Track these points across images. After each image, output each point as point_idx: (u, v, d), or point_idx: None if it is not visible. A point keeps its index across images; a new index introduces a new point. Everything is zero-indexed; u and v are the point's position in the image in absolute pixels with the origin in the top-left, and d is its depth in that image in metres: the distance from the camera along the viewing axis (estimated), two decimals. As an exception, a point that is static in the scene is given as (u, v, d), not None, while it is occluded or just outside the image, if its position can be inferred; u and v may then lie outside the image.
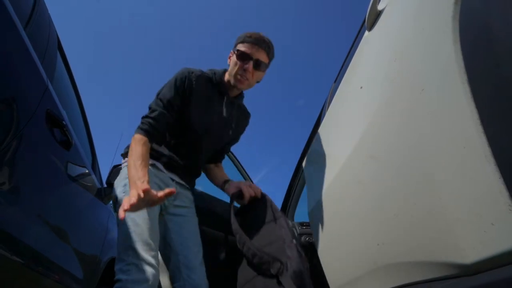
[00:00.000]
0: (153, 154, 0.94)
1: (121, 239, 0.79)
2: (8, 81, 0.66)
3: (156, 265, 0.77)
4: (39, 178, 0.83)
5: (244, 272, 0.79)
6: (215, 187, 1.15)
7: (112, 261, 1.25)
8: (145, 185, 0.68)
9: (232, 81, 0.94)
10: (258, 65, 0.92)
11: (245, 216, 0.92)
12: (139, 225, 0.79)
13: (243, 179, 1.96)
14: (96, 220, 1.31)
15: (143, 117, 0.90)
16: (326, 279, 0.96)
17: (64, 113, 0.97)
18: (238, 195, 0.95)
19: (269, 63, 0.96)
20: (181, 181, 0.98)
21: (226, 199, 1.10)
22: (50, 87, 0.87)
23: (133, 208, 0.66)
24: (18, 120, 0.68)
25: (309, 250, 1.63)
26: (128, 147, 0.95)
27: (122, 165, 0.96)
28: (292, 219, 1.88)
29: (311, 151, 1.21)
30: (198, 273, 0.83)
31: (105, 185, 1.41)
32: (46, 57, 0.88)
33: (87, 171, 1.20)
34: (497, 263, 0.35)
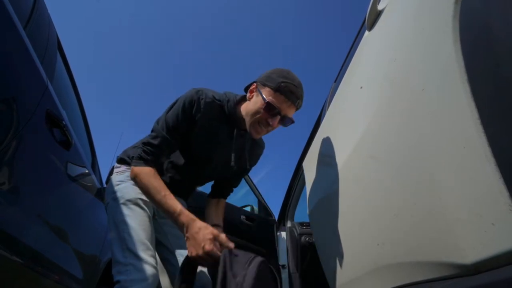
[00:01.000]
0: None
1: (116, 242, 0.78)
2: (8, 81, 0.66)
3: (155, 264, 0.76)
4: (39, 178, 0.83)
5: None
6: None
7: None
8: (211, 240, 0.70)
9: (248, 127, 0.82)
10: (284, 121, 0.81)
11: None
12: (134, 227, 0.78)
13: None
14: (96, 220, 1.30)
15: (145, 144, 0.82)
16: (326, 279, 0.96)
17: (64, 113, 0.97)
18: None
19: (293, 119, 0.84)
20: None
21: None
22: (50, 87, 0.87)
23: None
24: (17, 120, 0.68)
25: (309, 250, 1.64)
26: (125, 153, 0.94)
27: (115, 170, 0.92)
28: (292, 219, 1.88)
29: (311, 151, 1.21)
30: (201, 273, 0.83)
31: (105, 185, 1.41)
32: (45, 57, 0.88)
33: (87, 171, 1.20)
34: (497, 263, 0.35)
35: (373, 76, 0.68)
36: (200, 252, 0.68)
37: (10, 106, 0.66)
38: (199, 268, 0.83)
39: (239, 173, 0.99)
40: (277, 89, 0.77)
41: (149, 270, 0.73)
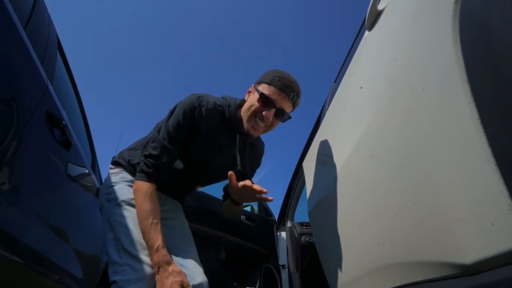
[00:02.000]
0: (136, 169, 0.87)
1: (112, 243, 0.77)
2: (8, 81, 0.66)
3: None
4: (39, 178, 0.83)
5: None
6: (214, 187, 1.15)
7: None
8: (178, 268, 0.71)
9: (245, 124, 0.82)
10: (280, 114, 0.80)
11: None
12: (129, 227, 0.78)
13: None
14: (96, 220, 1.31)
15: (146, 156, 0.80)
16: (326, 279, 0.96)
17: (64, 113, 0.97)
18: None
19: (290, 115, 0.83)
20: (168, 198, 0.96)
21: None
22: (50, 87, 0.87)
23: None
24: (18, 120, 0.68)
25: (309, 250, 1.64)
26: (121, 155, 0.93)
27: (109, 172, 0.91)
28: (292, 219, 1.88)
29: (311, 151, 1.21)
30: (197, 272, 0.83)
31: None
32: (46, 57, 0.88)
33: (87, 171, 1.20)
34: (497, 263, 0.35)
35: (373, 76, 0.68)
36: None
37: (10, 106, 0.67)
38: (197, 268, 0.83)
39: (244, 176, 0.99)
40: (271, 83, 0.79)
41: (146, 269, 0.72)
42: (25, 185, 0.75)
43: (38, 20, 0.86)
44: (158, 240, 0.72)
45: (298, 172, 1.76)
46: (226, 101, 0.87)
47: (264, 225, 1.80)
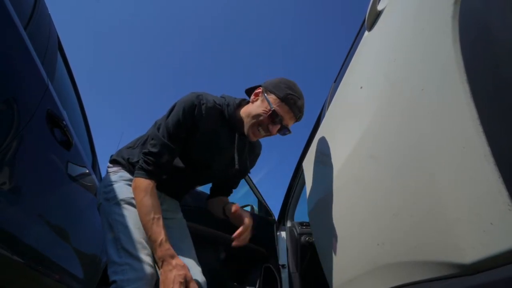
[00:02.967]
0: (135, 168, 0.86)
1: (111, 243, 0.76)
2: (9, 81, 0.66)
3: (151, 263, 0.75)
4: (39, 178, 0.83)
5: None
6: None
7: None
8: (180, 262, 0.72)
9: (246, 129, 0.83)
10: (282, 130, 0.83)
11: None
12: (128, 227, 0.77)
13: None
14: (96, 219, 1.31)
15: (146, 154, 0.80)
16: (326, 279, 0.96)
17: (64, 113, 0.97)
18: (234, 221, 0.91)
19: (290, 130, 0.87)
20: (167, 197, 0.96)
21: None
22: (51, 87, 0.87)
23: None
24: (18, 120, 0.68)
25: (309, 250, 1.64)
26: (120, 153, 0.92)
27: (108, 170, 0.90)
28: (292, 219, 1.88)
29: (311, 151, 1.21)
30: (195, 272, 0.83)
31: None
32: (46, 57, 0.88)
33: (87, 171, 1.20)
34: (496, 263, 0.35)
35: (373, 76, 0.68)
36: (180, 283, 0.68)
37: (11, 106, 0.67)
38: (195, 267, 0.83)
39: (239, 175, 1.00)
40: (284, 99, 0.80)
41: (146, 269, 0.72)
42: (25, 185, 0.75)
43: (38, 20, 0.86)
44: (161, 235, 0.72)
45: (298, 172, 1.76)
46: (225, 100, 0.87)
47: (264, 225, 1.80)
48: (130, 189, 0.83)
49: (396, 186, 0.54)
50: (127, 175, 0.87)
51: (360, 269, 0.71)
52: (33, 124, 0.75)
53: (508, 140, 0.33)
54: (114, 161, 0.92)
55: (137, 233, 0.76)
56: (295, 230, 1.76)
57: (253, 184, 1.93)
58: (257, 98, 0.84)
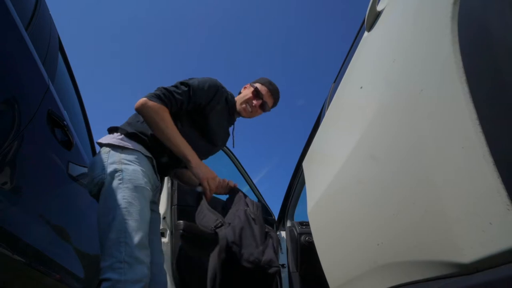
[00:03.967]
0: (155, 148, 0.86)
1: (113, 231, 0.69)
2: (10, 82, 0.66)
3: (149, 264, 0.71)
4: (40, 178, 0.84)
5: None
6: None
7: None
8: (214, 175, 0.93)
9: (237, 106, 1.07)
10: (264, 106, 1.07)
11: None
12: (137, 219, 0.71)
13: (241, 176, 1.96)
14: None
15: (165, 89, 0.89)
16: (326, 279, 0.96)
17: (65, 113, 0.97)
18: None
19: (270, 109, 1.13)
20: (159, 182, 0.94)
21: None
22: (51, 87, 0.87)
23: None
24: (19, 120, 0.69)
25: (309, 250, 1.64)
26: (134, 127, 0.87)
27: (122, 143, 0.81)
28: (292, 219, 1.88)
29: (311, 151, 1.21)
30: (162, 270, 0.86)
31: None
32: (47, 58, 0.88)
33: (88, 171, 1.20)
34: (495, 262, 0.35)
35: (372, 76, 0.68)
36: (216, 176, 0.91)
37: (12, 106, 0.67)
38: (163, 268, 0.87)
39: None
40: (264, 84, 1.09)
41: (145, 271, 0.68)
42: (26, 185, 0.75)
43: (39, 20, 0.86)
44: (192, 150, 0.89)
45: (298, 171, 1.76)
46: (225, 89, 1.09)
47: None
48: (145, 176, 0.78)
49: (395, 186, 0.54)
50: (144, 160, 0.82)
51: (359, 268, 0.71)
52: (34, 124, 0.75)
53: (507, 140, 0.33)
54: (131, 135, 0.84)
55: (143, 229, 0.71)
56: (295, 230, 1.76)
57: (253, 184, 1.93)
58: (245, 89, 1.11)
